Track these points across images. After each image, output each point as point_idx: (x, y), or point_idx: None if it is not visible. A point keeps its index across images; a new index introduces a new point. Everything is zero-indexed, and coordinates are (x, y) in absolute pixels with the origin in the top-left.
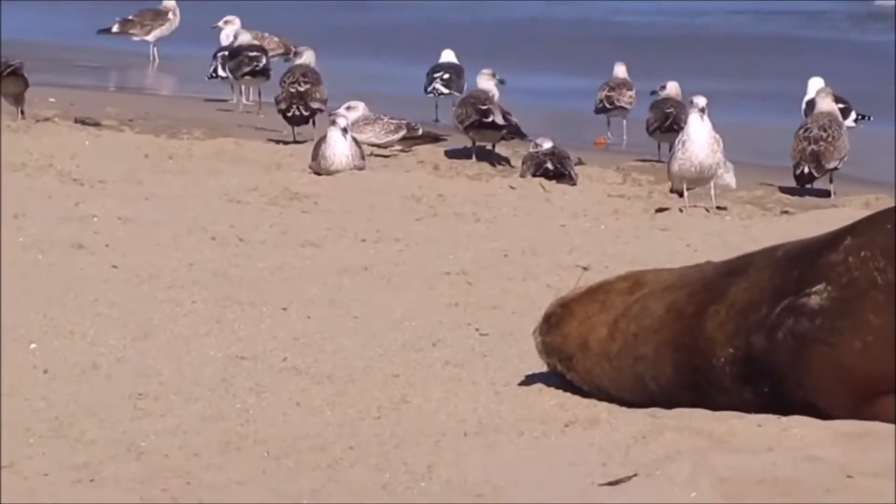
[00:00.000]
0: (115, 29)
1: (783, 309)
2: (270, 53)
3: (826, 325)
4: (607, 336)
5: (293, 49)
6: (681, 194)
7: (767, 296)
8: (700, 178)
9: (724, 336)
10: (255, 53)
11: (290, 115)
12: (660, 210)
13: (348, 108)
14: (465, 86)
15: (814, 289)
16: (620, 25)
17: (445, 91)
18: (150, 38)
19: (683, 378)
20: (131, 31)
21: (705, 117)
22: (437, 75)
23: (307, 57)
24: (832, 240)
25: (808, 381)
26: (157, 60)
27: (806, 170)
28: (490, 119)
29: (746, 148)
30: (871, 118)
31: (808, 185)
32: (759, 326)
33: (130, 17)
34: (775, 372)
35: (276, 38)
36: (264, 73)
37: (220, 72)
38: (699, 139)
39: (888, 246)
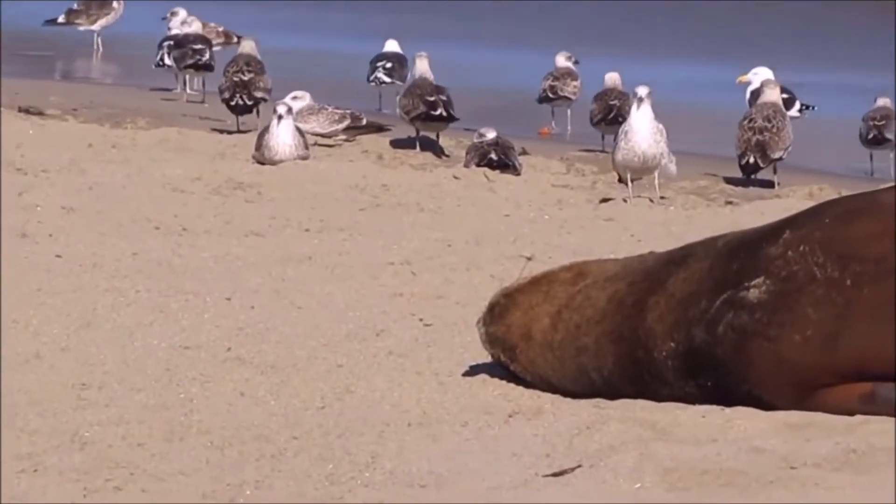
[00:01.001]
0: (60, 19)
1: (723, 302)
2: (213, 42)
3: (765, 319)
4: (550, 326)
5: (235, 37)
6: (626, 184)
7: (707, 288)
8: (644, 168)
9: (664, 328)
10: (199, 46)
11: (233, 104)
12: (604, 200)
13: (293, 98)
14: (408, 75)
15: (753, 282)
16: None
17: (388, 80)
18: (96, 27)
19: (625, 370)
20: (77, 21)
21: (647, 107)
22: (379, 64)
23: (249, 46)
24: (772, 232)
25: (751, 374)
26: (100, 49)
27: (751, 160)
28: (437, 112)
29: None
30: (816, 108)
31: (753, 176)
32: (699, 319)
33: (76, 7)
34: (718, 366)
35: (219, 28)
36: (207, 67)
37: (167, 60)
38: (642, 129)
39: (827, 240)
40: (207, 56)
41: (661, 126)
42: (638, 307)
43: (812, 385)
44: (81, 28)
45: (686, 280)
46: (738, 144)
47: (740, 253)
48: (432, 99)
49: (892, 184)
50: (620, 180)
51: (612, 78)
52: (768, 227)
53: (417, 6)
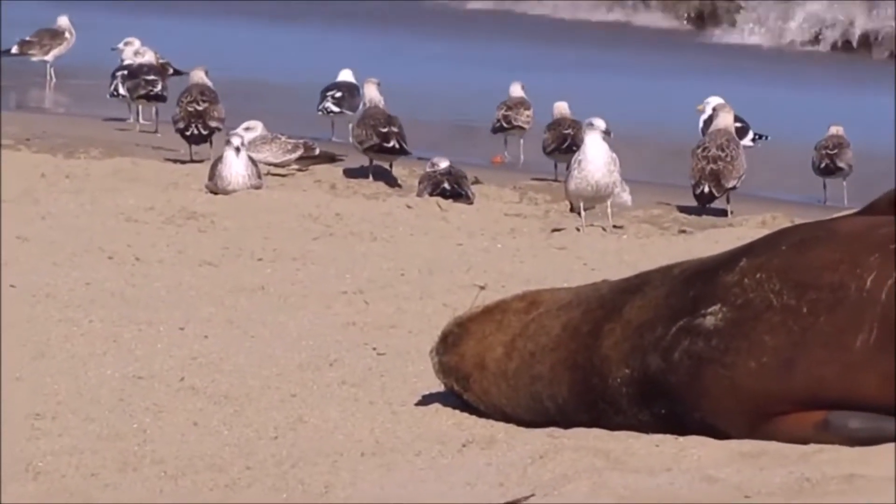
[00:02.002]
0: (14, 50)
1: (679, 329)
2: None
3: (721, 346)
4: (504, 355)
5: (172, 69)
6: (579, 213)
7: (663, 315)
8: (597, 197)
9: (619, 355)
10: (152, 77)
11: (188, 134)
12: (556, 229)
13: (246, 129)
14: (360, 104)
15: (709, 309)
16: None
17: (336, 110)
18: (49, 57)
19: (580, 397)
20: (30, 52)
21: (601, 138)
22: (329, 94)
23: (199, 76)
24: (728, 260)
25: (705, 402)
26: (54, 80)
27: (706, 189)
28: (391, 144)
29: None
30: (769, 137)
31: (708, 205)
32: (654, 346)
33: (29, 39)
34: (672, 393)
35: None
36: (159, 97)
37: (121, 89)
38: (596, 159)
39: (783, 267)
40: (160, 87)
41: (614, 155)
42: (593, 334)
43: (767, 412)
44: (35, 59)
45: (642, 307)
46: (692, 173)
47: (697, 281)
48: (385, 131)
49: (847, 212)
50: (573, 209)
51: (560, 107)
52: (725, 255)
53: (375, 29)
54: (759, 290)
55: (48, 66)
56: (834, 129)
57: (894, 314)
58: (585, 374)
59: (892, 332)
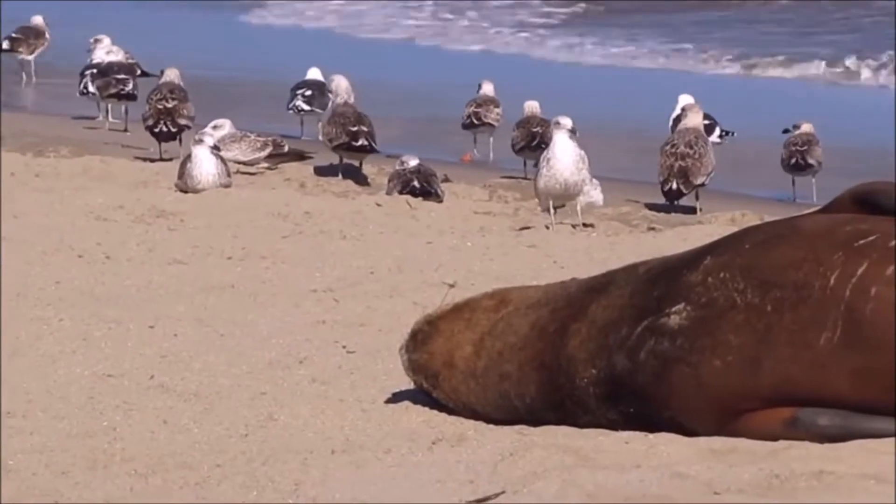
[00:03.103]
0: (5, 45)
1: (644, 329)
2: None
3: (687, 345)
4: (473, 354)
5: (140, 70)
6: (549, 211)
7: (629, 315)
8: (566, 195)
9: (585, 355)
10: (122, 76)
11: (157, 131)
12: (525, 228)
13: (214, 127)
14: (329, 103)
15: (674, 309)
16: None
17: (307, 108)
18: (32, 56)
19: (547, 396)
20: (20, 49)
21: (569, 136)
22: (299, 92)
23: (173, 74)
24: (693, 259)
25: (672, 401)
26: (34, 79)
27: (674, 186)
28: (360, 143)
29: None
30: (735, 134)
31: (677, 202)
32: (620, 346)
33: (16, 35)
34: (639, 393)
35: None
36: (129, 96)
37: (91, 88)
38: (564, 157)
39: (747, 266)
40: (131, 86)
41: (583, 153)
42: (560, 334)
43: (734, 410)
44: (20, 56)
45: (608, 307)
46: (660, 170)
47: (661, 280)
48: (355, 129)
49: (813, 209)
50: (543, 208)
51: (531, 106)
52: (689, 254)
53: None
54: (722, 289)
55: (30, 64)
56: (804, 126)
57: (858, 312)
58: (552, 374)
59: (857, 330)
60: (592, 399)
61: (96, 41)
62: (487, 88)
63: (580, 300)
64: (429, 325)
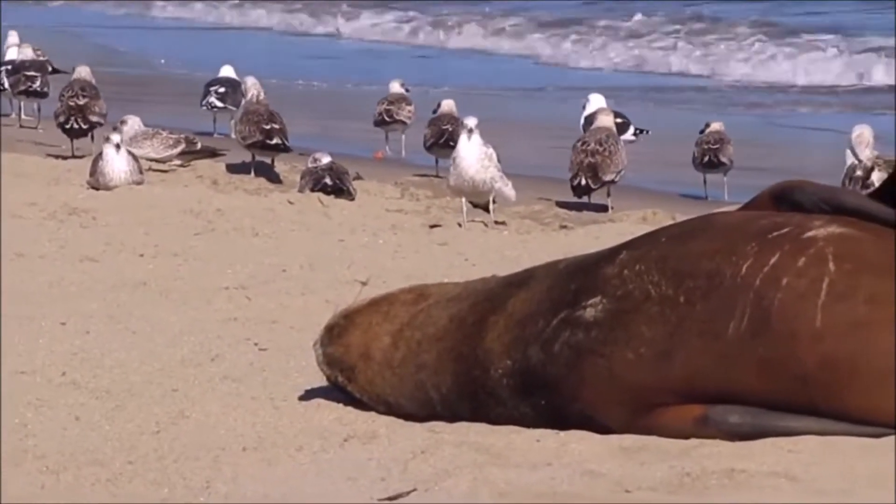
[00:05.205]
0: None
1: (560, 321)
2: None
3: (600, 337)
4: (391, 345)
5: (51, 67)
6: (462, 209)
7: (546, 308)
8: (476, 193)
9: (501, 347)
10: (32, 73)
11: (68, 127)
12: (436, 225)
13: (122, 123)
14: (242, 100)
15: (590, 301)
16: None
17: (220, 105)
18: None
19: (462, 388)
20: None
21: (474, 136)
22: (212, 89)
23: (85, 72)
24: (610, 253)
25: (584, 393)
26: None
27: (583, 181)
28: (273, 141)
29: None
30: (649, 132)
31: (586, 198)
32: (536, 338)
33: None
34: (552, 384)
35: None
36: (38, 94)
37: (5, 83)
38: (468, 157)
39: (662, 258)
40: (40, 82)
41: (490, 151)
42: (478, 326)
43: (645, 404)
44: None
45: (526, 300)
46: (571, 166)
47: (579, 274)
48: (268, 128)
49: (725, 208)
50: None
51: (449, 104)
52: (607, 250)
53: None
54: (638, 282)
55: None
56: (715, 125)
57: (767, 301)
58: (469, 366)
59: (765, 319)
60: (506, 391)
61: (10, 36)
62: (395, 86)
63: (500, 294)
64: (345, 318)
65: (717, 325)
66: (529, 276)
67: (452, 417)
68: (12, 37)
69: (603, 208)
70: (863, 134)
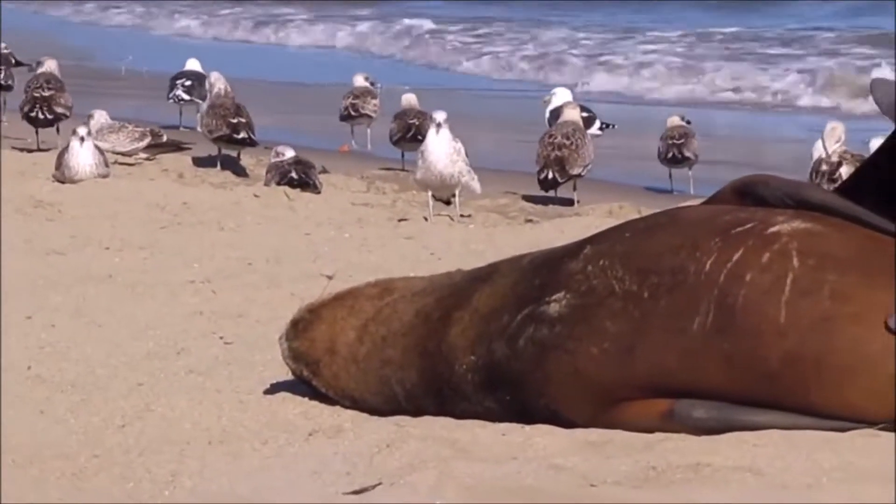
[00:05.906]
0: None
1: (525, 317)
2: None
3: (565, 332)
4: (356, 339)
5: (14, 60)
6: (428, 203)
7: (510, 303)
8: (443, 187)
9: (466, 342)
10: None
11: (33, 116)
12: (403, 219)
13: (89, 117)
14: (207, 94)
15: (554, 297)
16: None
17: (187, 98)
18: None
19: (427, 383)
20: None
21: (443, 130)
22: (178, 82)
23: (52, 65)
24: (574, 248)
25: (549, 388)
26: None
27: (550, 174)
28: (240, 135)
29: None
30: (616, 126)
31: (552, 191)
32: (500, 334)
33: None
34: (516, 380)
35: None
36: (2, 87)
37: None
38: (437, 151)
39: (626, 253)
40: (3, 75)
41: (458, 145)
42: (443, 321)
43: (609, 399)
44: None
45: (490, 295)
46: (537, 160)
47: (543, 269)
48: (235, 121)
49: (693, 201)
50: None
51: (409, 99)
52: (572, 244)
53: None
54: (602, 277)
55: None
56: (676, 120)
57: (731, 297)
58: (434, 361)
59: (729, 315)
60: (470, 386)
61: None
62: (359, 80)
63: (465, 289)
64: (310, 313)
65: (682, 321)
66: (494, 270)
67: (417, 412)
68: None
69: (569, 202)
70: (836, 129)
